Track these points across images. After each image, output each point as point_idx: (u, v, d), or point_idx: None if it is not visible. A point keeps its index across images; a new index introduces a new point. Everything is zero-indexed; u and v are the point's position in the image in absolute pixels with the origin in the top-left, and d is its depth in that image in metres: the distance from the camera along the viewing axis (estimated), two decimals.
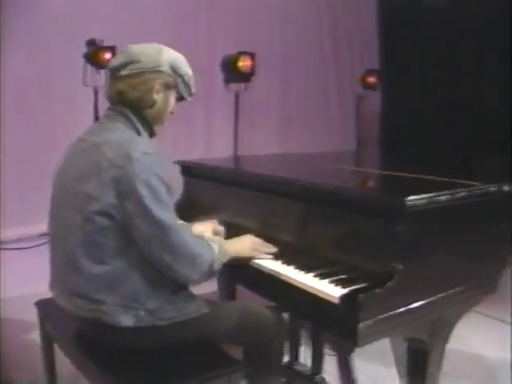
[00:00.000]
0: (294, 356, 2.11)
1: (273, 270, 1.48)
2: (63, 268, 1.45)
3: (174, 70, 1.48)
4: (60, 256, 1.46)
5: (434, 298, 1.36)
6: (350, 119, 5.72)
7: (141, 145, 1.39)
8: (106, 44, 3.68)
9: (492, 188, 1.48)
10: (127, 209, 1.34)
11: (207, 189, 2.07)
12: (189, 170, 2.19)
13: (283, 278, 1.44)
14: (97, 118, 3.85)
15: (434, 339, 1.44)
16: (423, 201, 1.28)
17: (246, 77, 4.57)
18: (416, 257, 1.28)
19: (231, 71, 4.53)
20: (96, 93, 3.81)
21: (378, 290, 1.22)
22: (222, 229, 1.76)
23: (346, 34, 5.82)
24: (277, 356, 1.60)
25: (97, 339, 1.46)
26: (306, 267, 1.44)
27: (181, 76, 1.50)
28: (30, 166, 3.82)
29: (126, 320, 1.39)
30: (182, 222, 1.63)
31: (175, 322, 1.43)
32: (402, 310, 1.29)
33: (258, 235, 1.61)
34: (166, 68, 1.46)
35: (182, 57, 1.53)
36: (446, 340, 1.49)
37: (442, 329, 1.45)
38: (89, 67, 3.71)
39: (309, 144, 5.49)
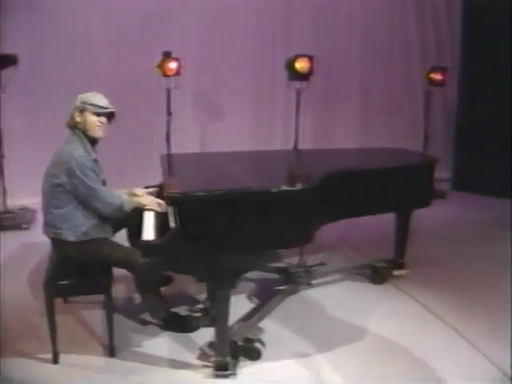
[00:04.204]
0: None
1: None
2: (43, 212, 2.89)
3: (83, 101, 2.83)
4: (43, 205, 2.88)
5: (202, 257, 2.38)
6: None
7: (79, 151, 2.78)
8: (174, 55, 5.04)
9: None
10: (74, 183, 2.74)
11: None
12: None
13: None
14: (169, 113, 5.29)
15: (214, 289, 2.49)
16: (188, 195, 2.35)
17: (304, 77, 5.48)
18: (183, 231, 2.35)
19: (291, 71, 5.49)
20: (168, 92, 5.21)
21: (155, 241, 2.34)
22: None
23: (420, 31, 6.28)
24: (146, 281, 2.85)
25: (59, 248, 2.86)
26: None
27: (86, 103, 2.82)
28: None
29: (71, 237, 2.81)
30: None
31: (96, 237, 2.83)
32: (175, 259, 2.37)
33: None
34: (77, 103, 2.83)
35: (92, 94, 2.86)
36: (223, 294, 2.51)
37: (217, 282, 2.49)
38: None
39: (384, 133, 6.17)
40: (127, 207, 2.86)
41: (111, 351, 2.82)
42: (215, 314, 2.59)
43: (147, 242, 2.46)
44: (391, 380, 2.66)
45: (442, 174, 6.48)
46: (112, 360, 2.81)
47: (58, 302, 3.13)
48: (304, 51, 5.42)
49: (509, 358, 2.61)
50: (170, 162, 3.26)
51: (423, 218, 5.21)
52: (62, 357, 2.79)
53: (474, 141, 6.07)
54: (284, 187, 2.46)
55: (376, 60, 6.32)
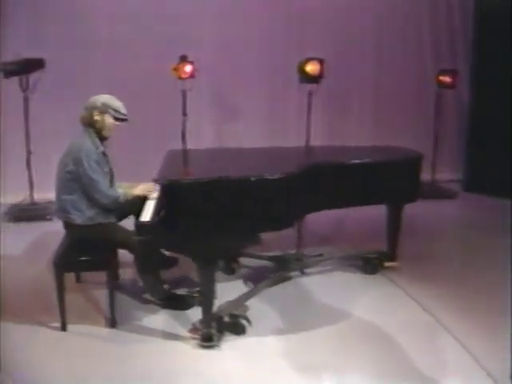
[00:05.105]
0: None
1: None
2: (56, 197, 3.31)
3: (104, 104, 3.21)
4: (56, 191, 3.30)
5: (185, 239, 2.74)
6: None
7: (87, 144, 3.21)
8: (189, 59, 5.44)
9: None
10: (80, 171, 3.15)
11: None
12: None
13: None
14: (185, 113, 5.69)
15: (198, 266, 2.85)
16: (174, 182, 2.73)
17: (314, 79, 5.78)
18: (170, 214, 2.71)
19: (302, 74, 5.80)
20: (184, 94, 5.61)
21: (147, 222, 2.71)
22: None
23: (434, 33, 6.52)
24: (144, 262, 3.23)
25: (69, 231, 3.27)
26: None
27: (109, 107, 3.22)
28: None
29: (79, 220, 3.22)
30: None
31: (100, 222, 3.23)
32: (163, 238, 2.73)
33: None
34: (98, 104, 3.20)
35: (111, 98, 3.26)
36: (206, 271, 2.86)
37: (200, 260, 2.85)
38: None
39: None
40: (123, 199, 3.25)
41: (112, 323, 3.22)
42: (201, 290, 2.93)
43: (141, 222, 2.84)
44: (366, 362, 2.92)
45: (454, 175, 6.72)
46: (113, 330, 3.22)
47: (71, 281, 3.63)
48: (317, 53, 5.70)
49: (491, 354, 2.86)
50: (171, 156, 3.63)
51: (430, 216, 5.50)
52: (70, 326, 3.21)
53: (486, 142, 6.21)
54: (262, 176, 2.79)
55: (389, 61, 6.55)
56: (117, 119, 3.26)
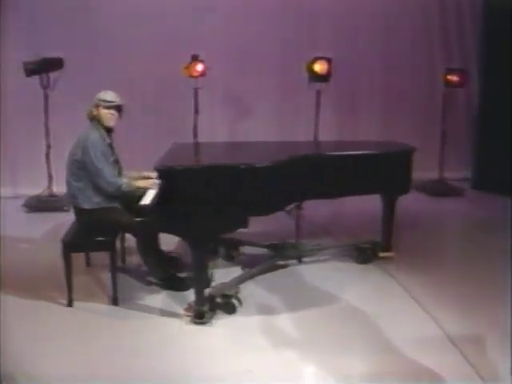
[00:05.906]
0: None
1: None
2: (66, 184, 3.63)
3: (97, 99, 3.55)
4: (66, 179, 3.60)
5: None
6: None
7: (94, 135, 3.51)
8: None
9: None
10: (86, 160, 3.45)
11: None
12: None
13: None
14: (197, 110, 5.96)
15: (190, 247, 3.10)
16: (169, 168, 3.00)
17: (323, 78, 5.98)
18: (165, 198, 2.97)
19: (310, 73, 6.00)
20: (196, 92, 5.89)
21: (145, 205, 2.98)
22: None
23: (443, 31, 6.67)
24: (145, 244, 3.51)
25: (77, 215, 3.57)
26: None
27: (99, 100, 3.55)
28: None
29: (86, 205, 3.54)
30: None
31: (105, 206, 3.51)
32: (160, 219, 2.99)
33: None
34: (95, 100, 3.54)
35: (104, 92, 3.58)
36: (197, 251, 3.10)
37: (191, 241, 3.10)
38: None
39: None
40: (126, 189, 3.52)
41: (114, 301, 3.52)
42: (193, 270, 3.18)
43: (141, 205, 3.10)
44: (352, 344, 3.10)
45: (462, 173, 6.82)
46: (115, 307, 3.52)
47: (81, 265, 3.92)
48: (327, 52, 5.91)
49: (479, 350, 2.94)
50: (174, 147, 3.90)
51: (436, 213, 5.64)
52: (76, 303, 3.53)
53: (494, 141, 6.29)
54: (251, 164, 3.02)
55: (397, 60, 6.70)
56: (108, 108, 3.57)
